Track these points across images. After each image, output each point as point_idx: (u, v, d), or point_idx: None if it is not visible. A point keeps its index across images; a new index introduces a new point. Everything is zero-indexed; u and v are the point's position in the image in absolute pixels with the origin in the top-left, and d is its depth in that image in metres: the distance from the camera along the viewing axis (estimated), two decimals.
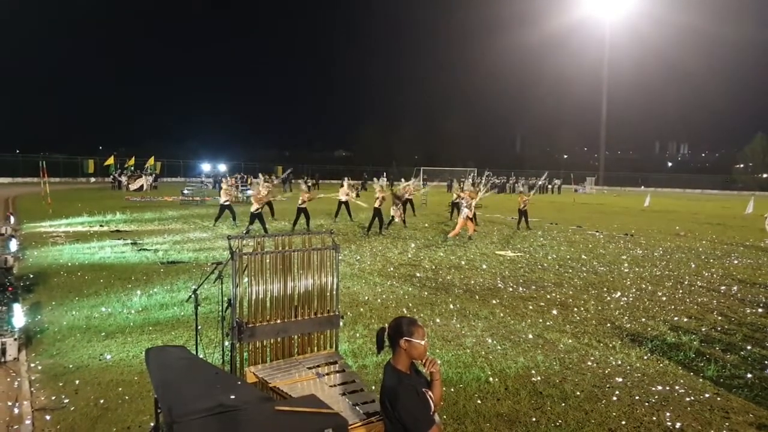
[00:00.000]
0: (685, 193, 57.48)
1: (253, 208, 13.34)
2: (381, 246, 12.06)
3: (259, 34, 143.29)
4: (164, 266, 9.30)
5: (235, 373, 3.58)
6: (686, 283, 8.94)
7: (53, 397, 4.18)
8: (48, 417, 3.86)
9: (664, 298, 7.79)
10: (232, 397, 2.48)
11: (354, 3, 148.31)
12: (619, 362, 5.17)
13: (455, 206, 17.59)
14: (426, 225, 16.88)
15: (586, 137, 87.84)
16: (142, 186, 34.87)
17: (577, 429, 3.82)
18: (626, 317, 6.76)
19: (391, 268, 9.50)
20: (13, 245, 9.98)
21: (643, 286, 8.61)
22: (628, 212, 25.45)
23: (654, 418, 4.00)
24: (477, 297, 7.60)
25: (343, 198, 17.17)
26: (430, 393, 2.53)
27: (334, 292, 3.98)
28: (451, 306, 7.06)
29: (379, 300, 7.27)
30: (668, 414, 4.08)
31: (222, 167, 51.72)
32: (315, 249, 3.92)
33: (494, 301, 7.37)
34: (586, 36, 76.57)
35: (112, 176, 39.47)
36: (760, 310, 7.29)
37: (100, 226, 14.98)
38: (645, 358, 5.31)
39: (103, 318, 6.24)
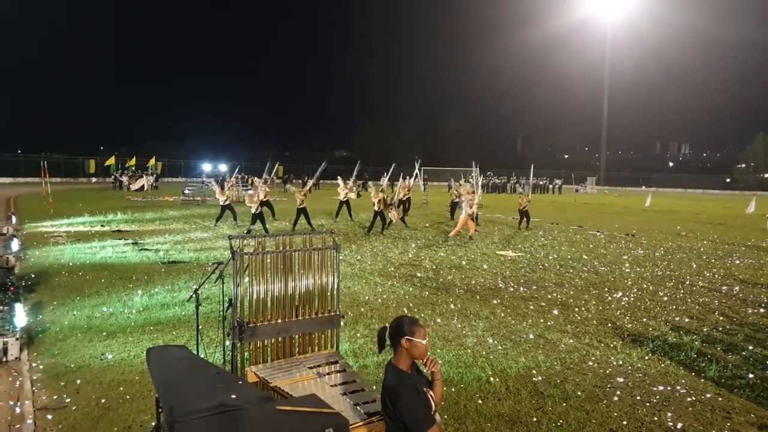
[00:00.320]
0: (687, 193, 57.46)
1: (252, 208, 13.39)
2: (382, 246, 12.06)
3: (259, 34, 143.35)
4: (165, 266, 9.31)
5: (236, 373, 3.58)
6: (687, 283, 8.93)
7: (55, 397, 4.18)
8: (49, 416, 3.87)
9: (665, 298, 7.78)
10: (233, 396, 2.48)
11: (354, 3, 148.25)
12: (621, 362, 5.17)
13: (455, 206, 17.61)
14: (426, 225, 16.88)
15: (587, 137, 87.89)
16: (143, 186, 34.93)
17: (578, 429, 3.82)
18: (627, 317, 6.75)
19: (392, 268, 9.50)
20: (15, 245, 9.97)
21: (645, 286, 8.60)
22: (629, 212, 25.43)
23: (655, 419, 4.00)
24: (478, 297, 7.59)
25: (342, 198, 17.18)
26: (431, 392, 2.53)
27: (335, 292, 3.98)
28: (452, 306, 7.06)
29: (379, 300, 7.27)
30: (669, 414, 4.07)
31: (222, 167, 51.68)
32: (316, 249, 3.92)
33: (495, 301, 7.36)
34: (587, 36, 76.68)
35: (113, 176, 39.53)
36: (761, 310, 7.27)
37: (102, 226, 15.00)
38: (646, 358, 5.31)
39: (104, 318, 6.25)
